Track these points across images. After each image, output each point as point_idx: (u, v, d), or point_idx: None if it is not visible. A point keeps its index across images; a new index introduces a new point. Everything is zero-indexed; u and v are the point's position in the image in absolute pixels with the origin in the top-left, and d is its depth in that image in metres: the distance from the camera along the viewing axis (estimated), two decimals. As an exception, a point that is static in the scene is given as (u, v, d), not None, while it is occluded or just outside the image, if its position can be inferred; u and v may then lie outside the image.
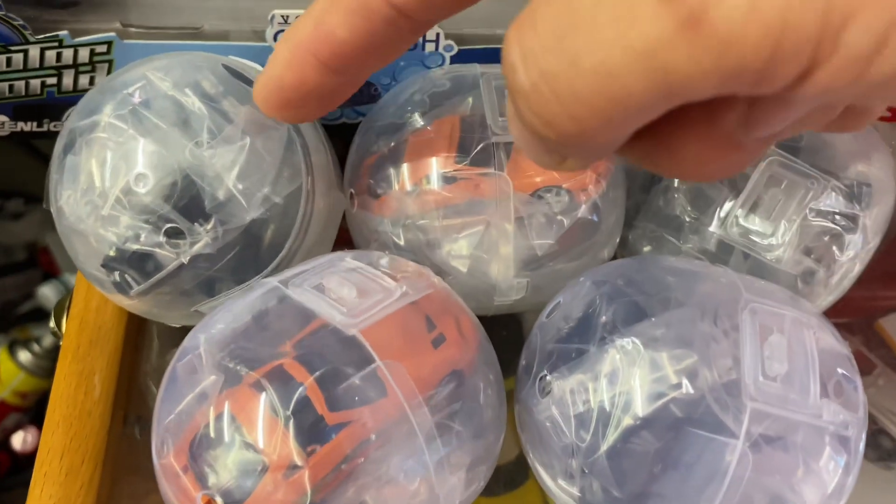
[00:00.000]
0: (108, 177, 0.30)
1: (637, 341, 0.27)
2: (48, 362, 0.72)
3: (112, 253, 0.30)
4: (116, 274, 0.31)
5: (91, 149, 0.30)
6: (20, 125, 0.38)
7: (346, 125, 0.40)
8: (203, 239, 0.30)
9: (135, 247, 0.30)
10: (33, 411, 0.75)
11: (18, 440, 0.73)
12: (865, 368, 0.47)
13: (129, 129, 0.30)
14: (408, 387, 0.25)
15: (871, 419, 0.45)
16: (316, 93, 0.23)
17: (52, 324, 0.37)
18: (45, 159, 0.62)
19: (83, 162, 0.30)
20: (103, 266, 0.31)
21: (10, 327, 0.77)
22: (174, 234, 0.30)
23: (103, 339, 0.35)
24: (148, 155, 0.29)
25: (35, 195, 0.79)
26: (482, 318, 0.31)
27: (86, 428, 0.33)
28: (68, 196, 0.30)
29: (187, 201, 0.30)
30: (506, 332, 0.40)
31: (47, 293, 0.77)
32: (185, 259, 0.30)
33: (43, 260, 0.81)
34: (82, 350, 0.35)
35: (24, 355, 0.72)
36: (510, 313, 0.38)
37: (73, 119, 0.31)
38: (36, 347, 0.72)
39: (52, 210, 0.32)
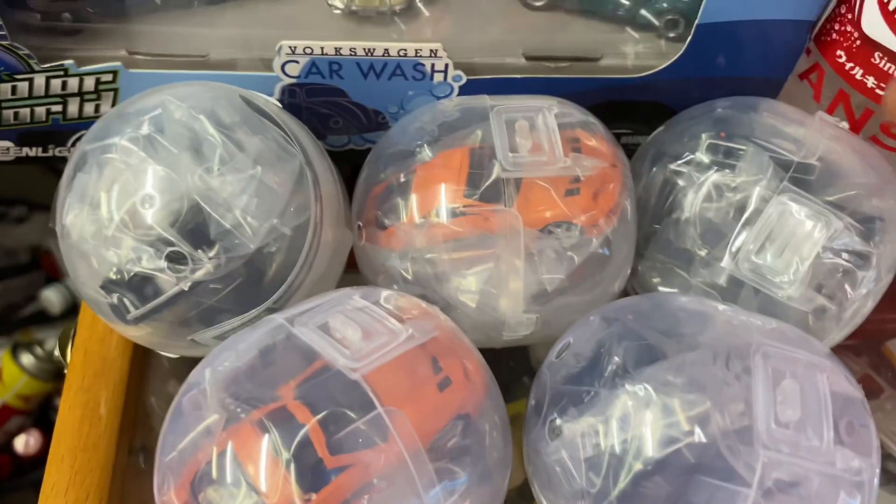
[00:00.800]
0: (116, 198, 0.29)
1: (648, 387, 0.26)
2: (51, 365, 0.72)
3: (112, 275, 0.30)
4: (115, 296, 0.30)
5: (101, 169, 0.30)
6: (25, 150, 0.38)
7: (354, 151, 0.40)
8: (205, 266, 0.30)
9: (136, 269, 0.29)
10: (36, 414, 0.75)
11: (21, 443, 0.73)
12: (872, 392, 0.47)
13: (140, 151, 0.30)
14: (409, 434, 0.25)
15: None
16: None
17: (56, 353, 0.36)
18: (47, 168, 0.61)
19: (92, 182, 0.30)
20: (102, 288, 0.30)
21: (13, 330, 0.77)
22: (176, 259, 0.29)
23: (108, 369, 0.35)
24: (157, 178, 0.29)
25: (37, 202, 0.80)
26: (489, 349, 0.31)
27: (91, 461, 0.33)
28: (75, 215, 0.30)
29: (192, 227, 0.29)
30: (513, 361, 0.40)
31: (50, 296, 0.77)
32: (185, 286, 0.30)
33: (46, 263, 0.81)
34: (87, 381, 0.35)
35: (26, 358, 0.72)
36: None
37: (87, 140, 0.31)
38: (39, 351, 0.73)
39: (56, 229, 0.32)
